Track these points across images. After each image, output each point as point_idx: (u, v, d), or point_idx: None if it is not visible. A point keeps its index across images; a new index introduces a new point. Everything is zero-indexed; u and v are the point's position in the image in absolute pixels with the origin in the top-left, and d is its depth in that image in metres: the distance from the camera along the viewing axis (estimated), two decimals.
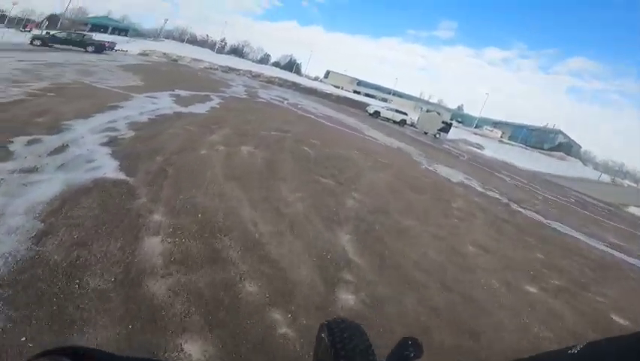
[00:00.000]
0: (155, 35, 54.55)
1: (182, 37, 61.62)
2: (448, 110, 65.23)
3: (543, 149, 47.75)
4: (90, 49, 23.20)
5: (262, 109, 12.54)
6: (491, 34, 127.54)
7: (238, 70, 35.07)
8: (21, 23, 42.05)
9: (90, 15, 53.01)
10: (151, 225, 2.89)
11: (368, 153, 9.12)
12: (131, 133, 5.18)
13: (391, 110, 29.53)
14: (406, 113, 29.59)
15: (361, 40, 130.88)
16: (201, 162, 4.67)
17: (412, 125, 29.59)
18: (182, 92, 11.12)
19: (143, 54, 30.11)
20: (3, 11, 49.18)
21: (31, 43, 22.16)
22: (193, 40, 61.96)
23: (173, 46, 40.94)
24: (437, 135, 27.90)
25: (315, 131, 10.27)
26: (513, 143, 44.49)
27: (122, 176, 3.63)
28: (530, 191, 13.14)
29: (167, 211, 3.18)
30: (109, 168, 3.73)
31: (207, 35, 69.55)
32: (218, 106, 10.09)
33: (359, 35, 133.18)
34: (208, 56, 39.31)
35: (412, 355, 0.96)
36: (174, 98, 9.43)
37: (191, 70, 25.86)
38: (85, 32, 27.20)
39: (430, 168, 10.20)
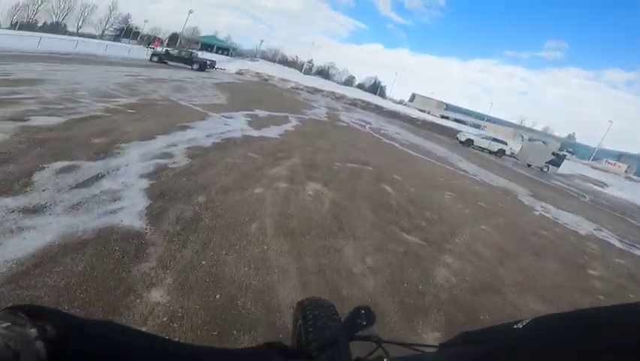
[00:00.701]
0: (252, 55, 59.21)
1: (274, 57, 65.76)
2: (557, 139, 57.08)
3: None
4: (195, 66, 25.29)
5: (341, 134, 11.59)
6: (612, 54, 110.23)
7: (322, 91, 35.32)
8: (149, 40, 49.31)
9: (202, 34, 60.02)
10: (139, 308, 1.94)
11: (464, 194, 7.38)
12: (185, 161, 4.51)
13: (487, 138, 26.14)
14: (505, 142, 25.93)
15: (450, 63, 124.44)
16: (251, 206, 3.70)
17: (512, 156, 25.83)
18: (261, 113, 10.78)
19: (239, 73, 32.21)
20: (137, 28, 58.91)
21: (151, 59, 25.09)
22: (284, 61, 65.67)
23: (265, 66, 43.47)
24: (545, 169, 23.75)
25: (398, 163, 8.88)
26: None
27: (141, 224, 2.81)
28: None
29: (175, 286, 2.21)
30: (131, 212, 2.94)
31: (296, 56, 73.30)
32: (293, 129, 9.38)
33: (447, 57, 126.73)
34: (295, 77, 40.65)
35: (365, 323, 0.77)
36: (250, 119, 8.99)
37: (278, 90, 26.58)
38: (192, 50, 30.01)
39: (547, 215, 7.99)
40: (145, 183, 3.55)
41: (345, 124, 15.27)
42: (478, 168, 13.53)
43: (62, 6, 55.07)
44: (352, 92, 42.61)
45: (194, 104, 9.22)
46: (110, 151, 4.19)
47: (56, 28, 51.75)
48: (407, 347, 0.65)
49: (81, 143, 4.22)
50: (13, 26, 47.07)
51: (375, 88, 72.81)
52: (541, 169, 23.66)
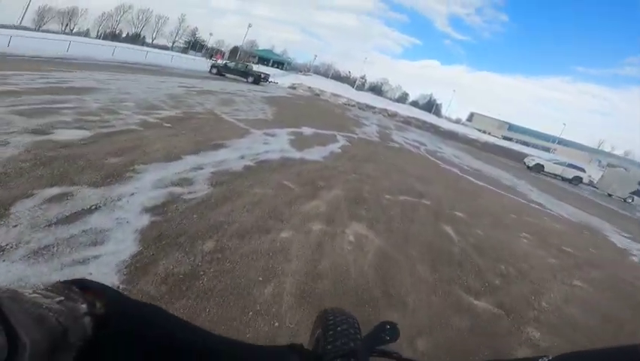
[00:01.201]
0: (305, 70, 60.19)
1: (327, 72, 66.03)
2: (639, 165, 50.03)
3: None
4: (250, 79, 25.71)
5: (393, 157, 10.51)
6: None
7: (374, 108, 34.31)
8: (211, 52, 52.44)
9: (260, 48, 62.52)
10: None
11: (543, 236, 5.99)
12: (205, 190, 3.82)
13: (560, 163, 23.04)
14: (582, 169, 22.72)
15: (513, 80, 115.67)
16: (271, 258, 2.85)
17: (591, 184, 22.54)
18: (307, 130, 10.09)
19: (292, 87, 32.44)
20: (203, 41, 63.32)
21: (210, 71, 26.04)
22: (336, 76, 65.70)
23: (318, 80, 43.57)
24: (629, 200, 20.36)
25: (459, 194, 7.59)
26: None
27: (114, 281, 2.09)
28: None
29: None
30: (109, 262, 2.24)
31: (349, 72, 73.04)
32: (339, 151, 8.51)
33: (511, 74, 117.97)
34: (347, 92, 40.13)
35: (388, 338, 0.78)
36: (293, 137, 8.31)
37: (328, 105, 26.10)
38: (248, 64, 30.70)
39: None
40: (145, 220, 2.87)
41: (398, 145, 14.10)
42: (554, 199, 11.61)
43: (140, 17, 60.82)
44: (405, 110, 41.06)
45: (237, 119, 8.79)
46: (122, 175, 3.63)
47: (136, 39, 56.69)
48: None
49: (93, 163, 3.72)
50: (99, 36, 52.54)
51: (430, 106, 70.00)
52: (624, 200, 20.31)
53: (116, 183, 3.39)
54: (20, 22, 46.95)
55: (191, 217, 3.12)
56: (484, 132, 50.02)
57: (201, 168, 4.43)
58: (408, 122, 32.49)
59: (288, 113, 13.26)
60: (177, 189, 3.63)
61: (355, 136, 12.38)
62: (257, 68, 31.59)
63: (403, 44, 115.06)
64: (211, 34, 64.59)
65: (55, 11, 55.13)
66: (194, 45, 62.28)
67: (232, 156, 5.37)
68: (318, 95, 32.14)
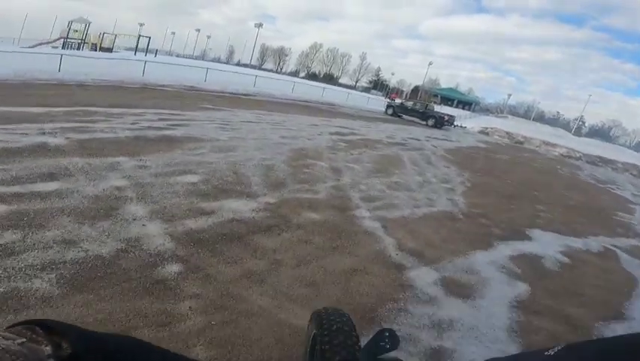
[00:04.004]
0: (497, 111, 50.79)
1: (527, 113, 53.96)
2: None
3: None
4: (430, 122, 20.96)
5: None
6: None
7: (614, 162, 23.00)
8: (387, 92, 51.24)
9: (443, 86, 57.24)
10: None
11: None
12: None
13: None
14: None
15: None
16: None
17: None
18: (550, 246, 4.38)
19: (483, 132, 25.41)
20: (385, 81, 63.72)
21: (386, 111, 23.12)
22: (540, 118, 52.79)
23: (516, 123, 34.48)
24: None
25: None
26: None
27: None
28: None
29: None
30: None
31: (558, 112, 57.89)
32: None
33: None
34: (563, 139, 29.52)
35: (388, 346, 0.80)
36: (525, 295, 2.92)
37: (543, 159, 17.95)
38: (428, 103, 25.94)
39: None
40: None
41: None
42: None
43: (329, 56, 66.61)
44: None
45: (387, 220, 4.16)
46: None
47: (330, 78, 61.41)
48: None
49: None
50: (306, 76, 59.30)
51: None
52: None
53: None
54: (250, 61, 58.05)
55: None
56: None
57: None
58: None
59: (493, 187, 7.62)
60: None
61: None
62: (439, 108, 26.48)
63: None
64: (393, 73, 64.60)
65: (270, 50, 66.64)
66: (377, 84, 62.91)
67: None
68: (521, 142, 23.78)
